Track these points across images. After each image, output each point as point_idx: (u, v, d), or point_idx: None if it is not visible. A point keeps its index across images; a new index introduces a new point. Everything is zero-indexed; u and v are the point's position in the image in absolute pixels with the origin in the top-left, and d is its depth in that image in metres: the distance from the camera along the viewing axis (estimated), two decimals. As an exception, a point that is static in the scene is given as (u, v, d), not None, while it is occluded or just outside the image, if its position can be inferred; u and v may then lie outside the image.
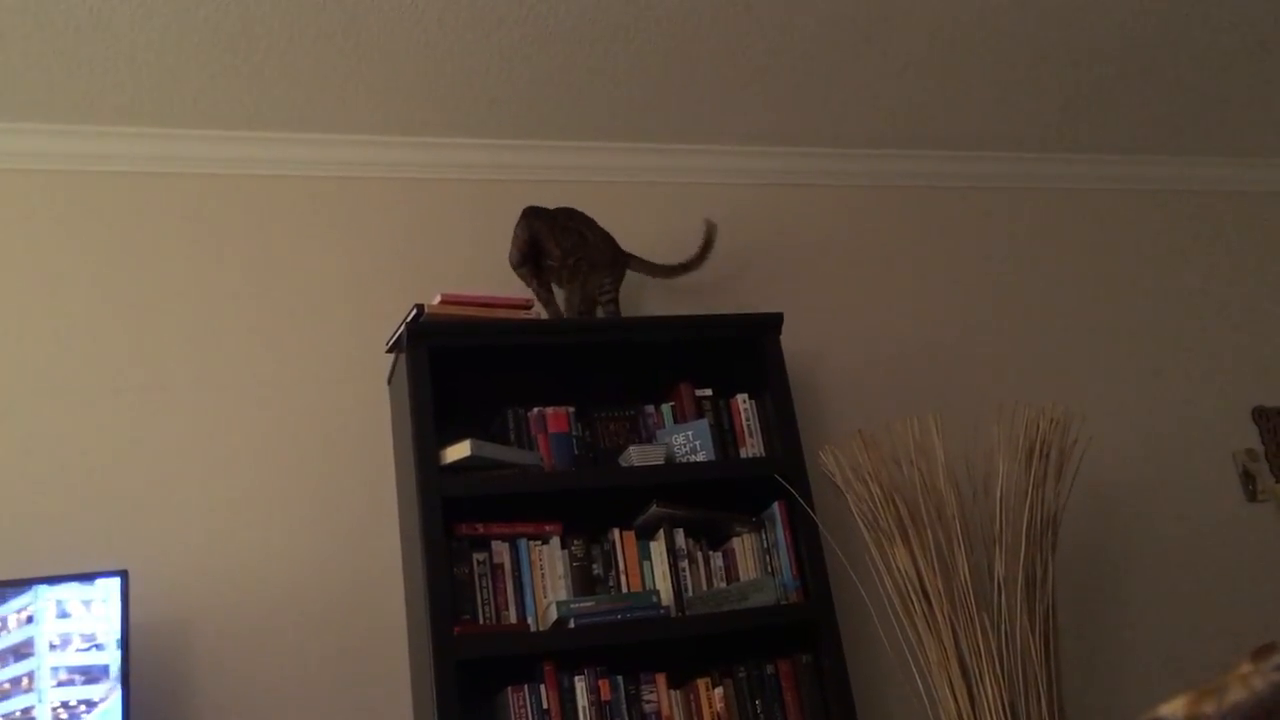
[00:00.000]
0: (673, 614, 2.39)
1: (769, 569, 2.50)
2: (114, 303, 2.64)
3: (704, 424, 2.58)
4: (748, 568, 2.50)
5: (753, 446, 2.60)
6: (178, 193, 2.78)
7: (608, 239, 2.78)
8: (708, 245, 2.84)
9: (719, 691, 2.37)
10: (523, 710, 2.23)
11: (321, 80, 2.68)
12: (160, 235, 2.73)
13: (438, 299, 2.51)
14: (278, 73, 2.63)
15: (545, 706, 2.24)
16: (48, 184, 2.70)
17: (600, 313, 2.72)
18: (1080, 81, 3.16)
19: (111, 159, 2.74)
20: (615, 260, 2.77)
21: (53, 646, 2.02)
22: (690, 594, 2.44)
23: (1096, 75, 3.14)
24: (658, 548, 2.47)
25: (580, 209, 2.79)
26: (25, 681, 1.99)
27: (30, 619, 2.03)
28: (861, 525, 2.52)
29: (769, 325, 2.65)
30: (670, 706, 2.34)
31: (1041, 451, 2.52)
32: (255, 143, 2.84)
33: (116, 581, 2.10)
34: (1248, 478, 3.28)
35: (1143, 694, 2.92)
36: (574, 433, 2.56)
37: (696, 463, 2.53)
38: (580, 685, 2.27)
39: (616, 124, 3.04)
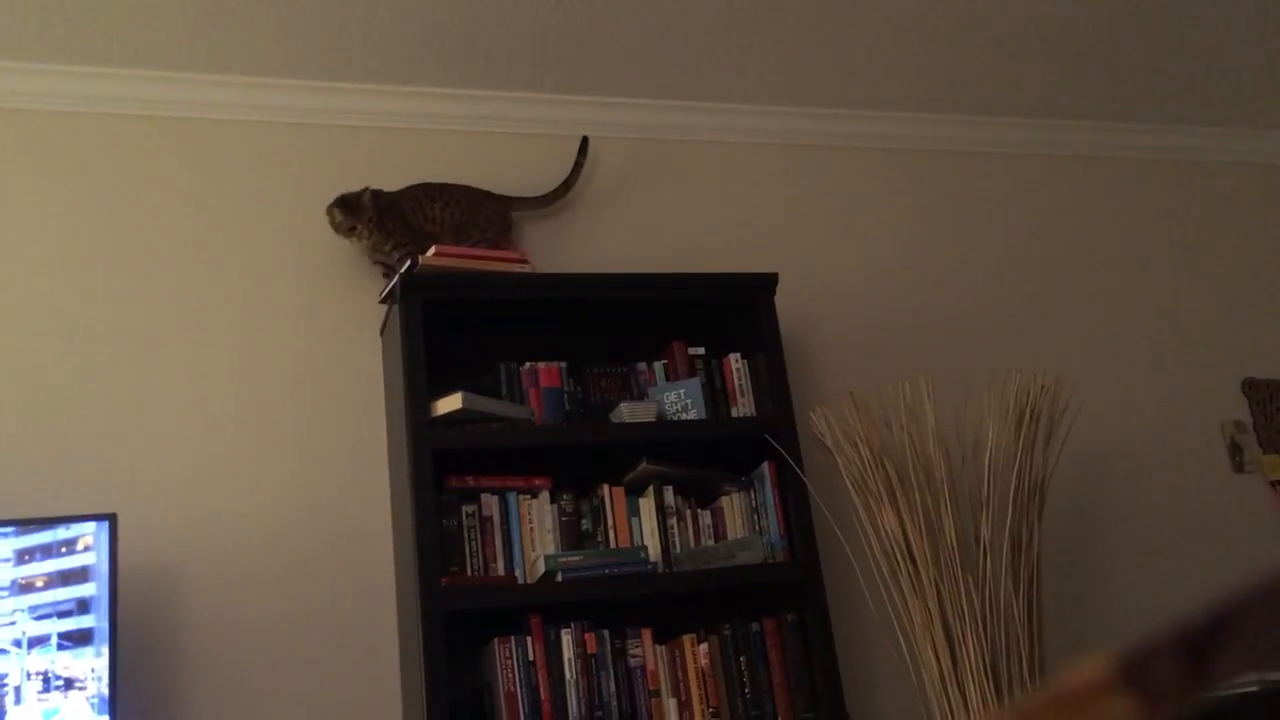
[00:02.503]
0: (660, 570, 2.41)
1: (757, 528, 2.51)
2: (103, 246, 2.62)
3: (696, 382, 2.58)
4: (736, 526, 2.51)
5: (744, 406, 2.60)
6: (170, 136, 2.76)
7: (465, 199, 2.74)
8: (581, 156, 2.91)
9: (704, 647, 2.39)
10: (509, 662, 2.24)
11: (316, 28, 2.65)
12: (150, 179, 2.71)
13: (432, 251, 2.50)
14: (272, 18, 2.59)
15: (531, 659, 2.26)
16: (37, 124, 2.67)
17: None
18: (1080, 48, 3.13)
19: (106, 100, 2.71)
20: (471, 220, 2.73)
21: (41, 587, 2.03)
22: (678, 551, 2.45)
23: (1096, 42, 3.11)
24: (647, 504, 2.48)
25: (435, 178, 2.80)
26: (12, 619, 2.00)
27: (18, 560, 2.03)
28: (850, 487, 2.53)
29: (763, 285, 2.65)
30: (655, 661, 2.36)
31: (1031, 418, 2.53)
32: (247, 88, 2.81)
33: (105, 525, 2.10)
34: (1235, 449, 3.30)
35: (1123, 660, 2.95)
36: (565, 388, 2.56)
37: (687, 421, 2.53)
38: (566, 638, 2.29)
39: (619, 80, 3.01)
